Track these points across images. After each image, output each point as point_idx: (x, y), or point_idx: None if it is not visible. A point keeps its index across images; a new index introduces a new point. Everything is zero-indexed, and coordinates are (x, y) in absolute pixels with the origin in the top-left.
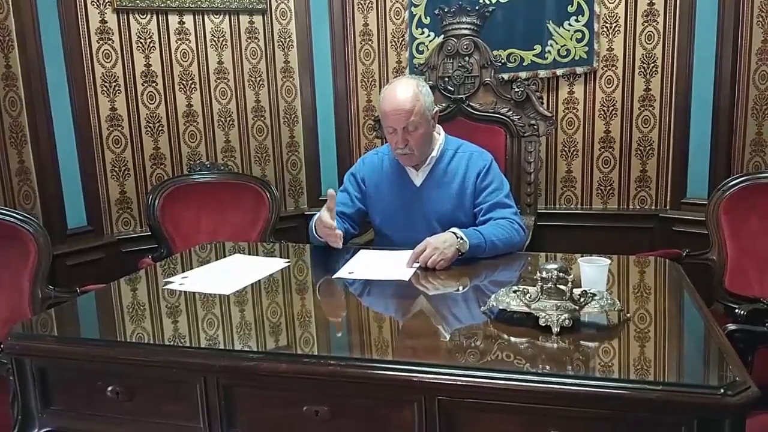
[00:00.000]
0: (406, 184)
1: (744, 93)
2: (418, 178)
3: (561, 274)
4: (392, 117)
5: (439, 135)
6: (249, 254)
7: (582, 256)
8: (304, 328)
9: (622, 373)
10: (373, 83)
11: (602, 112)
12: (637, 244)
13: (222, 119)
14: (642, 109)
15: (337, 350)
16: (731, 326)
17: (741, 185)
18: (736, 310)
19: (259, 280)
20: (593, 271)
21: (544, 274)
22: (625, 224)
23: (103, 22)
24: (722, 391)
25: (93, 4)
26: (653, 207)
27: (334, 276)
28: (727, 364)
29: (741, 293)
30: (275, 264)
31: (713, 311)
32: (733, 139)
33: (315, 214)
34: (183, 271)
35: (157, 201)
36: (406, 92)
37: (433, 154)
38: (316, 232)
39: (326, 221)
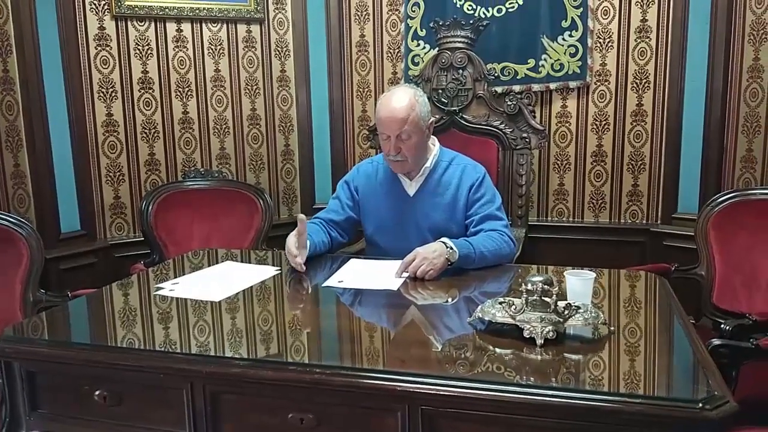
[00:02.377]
0: (399, 194)
1: (735, 110)
2: (411, 188)
3: (546, 286)
4: (386, 124)
5: (434, 146)
6: (242, 261)
7: (573, 269)
8: (294, 337)
9: (603, 385)
10: (368, 94)
11: (595, 127)
12: (628, 257)
13: (217, 127)
14: (634, 124)
15: (324, 359)
16: (716, 341)
17: (730, 201)
18: (722, 326)
19: (250, 288)
20: (578, 283)
21: (529, 287)
22: (616, 238)
23: (102, 28)
24: (701, 405)
25: (92, 11)
26: (644, 221)
27: (323, 285)
28: (707, 378)
29: (729, 308)
30: (266, 272)
31: (702, 326)
32: (723, 155)
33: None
34: (175, 277)
35: (150, 207)
36: (401, 101)
37: (427, 164)
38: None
39: (290, 248)
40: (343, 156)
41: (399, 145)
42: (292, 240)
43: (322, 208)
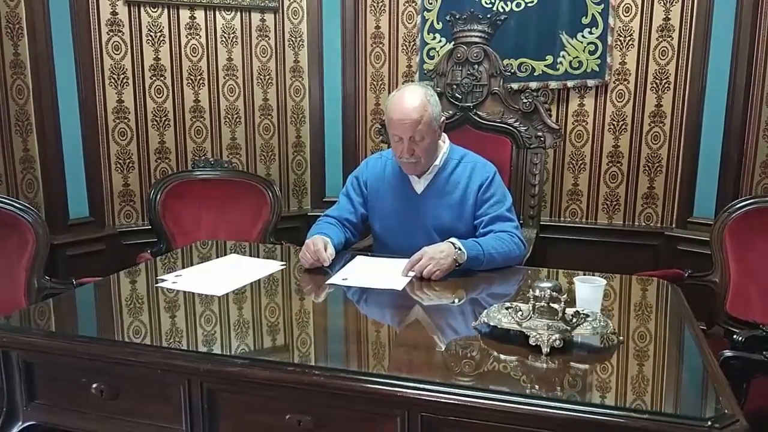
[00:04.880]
0: (406, 191)
1: (756, 113)
2: (419, 185)
3: (554, 293)
4: (399, 126)
5: (444, 143)
6: (250, 254)
7: (584, 275)
8: (294, 336)
9: (609, 399)
10: (382, 86)
11: (612, 127)
12: (641, 261)
13: (229, 116)
14: (652, 125)
15: (322, 360)
16: (728, 353)
17: (747, 208)
18: (735, 336)
19: (252, 282)
20: (588, 290)
21: (537, 293)
22: (629, 240)
23: (114, 14)
24: (710, 423)
25: None
26: (659, 224)
27: (327, 282)
28: (718, 395)
29: (742, 317)
30: (270, 266)
31: (713, 334)
32: (743, 159)
33: (319, 216)
34: (183, 267)
35: (158, 195)
36: (414, 101)
37: (436, 162)
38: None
39: (318, 247)
40: (355, 149)
41: (412, 147)
42: (320, 243)
43: (332, 202)
